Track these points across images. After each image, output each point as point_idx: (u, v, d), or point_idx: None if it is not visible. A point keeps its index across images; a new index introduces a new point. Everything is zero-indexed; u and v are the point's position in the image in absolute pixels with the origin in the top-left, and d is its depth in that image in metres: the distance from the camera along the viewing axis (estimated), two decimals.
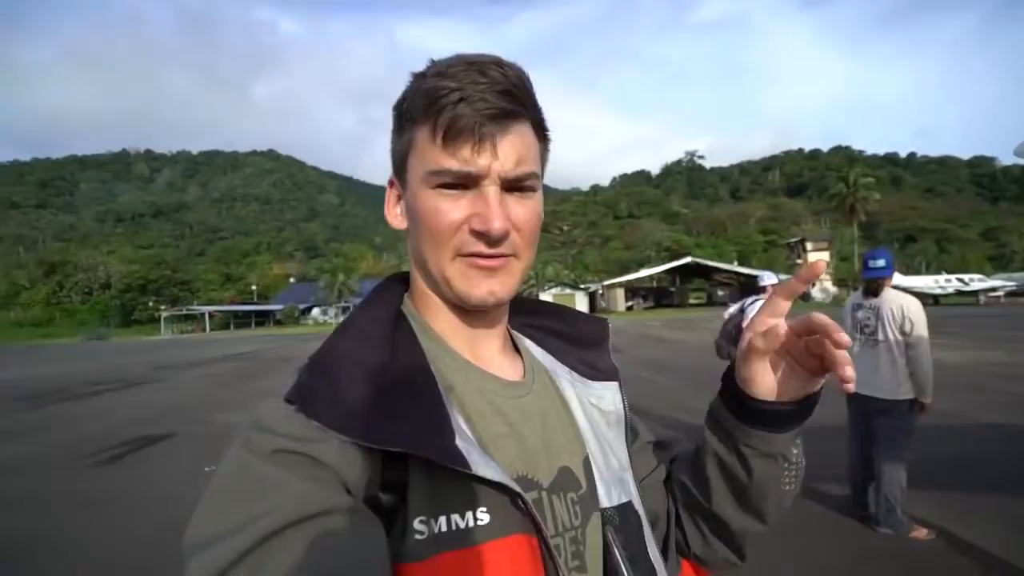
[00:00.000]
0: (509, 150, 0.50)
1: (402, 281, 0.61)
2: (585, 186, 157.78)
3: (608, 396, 0.65)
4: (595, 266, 71.04)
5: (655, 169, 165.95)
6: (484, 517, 0.46)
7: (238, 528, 0.39)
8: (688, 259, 47.65)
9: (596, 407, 0.63)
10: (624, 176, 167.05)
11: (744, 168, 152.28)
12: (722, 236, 78.91)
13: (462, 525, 0.45)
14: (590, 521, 0.55)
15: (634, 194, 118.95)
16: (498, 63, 0.50)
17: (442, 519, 0.45)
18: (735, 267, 49.53)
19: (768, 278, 4.68)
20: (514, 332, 0.65)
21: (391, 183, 0.57)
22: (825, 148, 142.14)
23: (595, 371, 0.66)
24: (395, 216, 0.57)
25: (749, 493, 0.59)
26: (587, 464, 0.57)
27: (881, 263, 3.35)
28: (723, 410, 0.58)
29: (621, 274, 53.40)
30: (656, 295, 52.95)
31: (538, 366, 0.63)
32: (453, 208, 0.50)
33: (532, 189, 0.53)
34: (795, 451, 0.58)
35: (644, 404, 7.11)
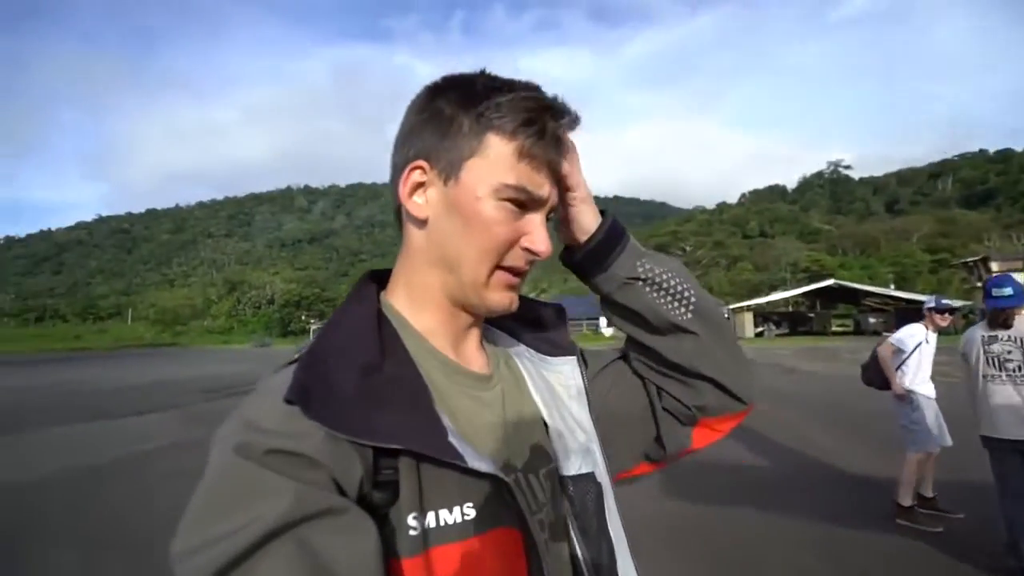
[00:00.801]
0: (558, 180, 0.58)
1: (375, 279, 0.61)
2: (710, 204, 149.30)
3: (567, 370, 0.67)
4: (720, 289, 66.59)
5: (791, 183, 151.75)
6: (471, 511, 0.48)
7: (229, 534, 0.39)
8: (831, 281, 42.38)
9: (557, 382, 0.66)
10: (754, 192, 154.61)
11: (903, 177, 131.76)
12: (874, 255, 69.37)
13: (450, 520, 0.47)
14: (557, 490, 0.58)
15: (766, 211, 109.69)
16: (563, 102, 0.56)
17: (430, 515, 0.47)
18: (891, 291, 43.10)
19: (930, 302, 4.15)
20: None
21: (415, 167, 0.55)
22: (1018, 148, 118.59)
23: (553, 347, 0.68)
24: (415, 204, 0.55)
25: (649, 320, 0.65)
26: (548, 436, 0.61)
27: (1008, 291, 3.07)
28: (575, 273, 0.67)
29: (750, 297, 49.25)
30: (791, 321, 47.86)
31: (500, 352, 0.65)
32: (514, 224, 0.54)
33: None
34: (640, 268, 0.64)
35: (762, 437, 6.61)
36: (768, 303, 46.27)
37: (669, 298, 0.64)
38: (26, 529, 4.02)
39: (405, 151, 0.56)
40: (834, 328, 43.50)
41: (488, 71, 0.56)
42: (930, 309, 4.08)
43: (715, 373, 0.65)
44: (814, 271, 62.42)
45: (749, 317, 40.97)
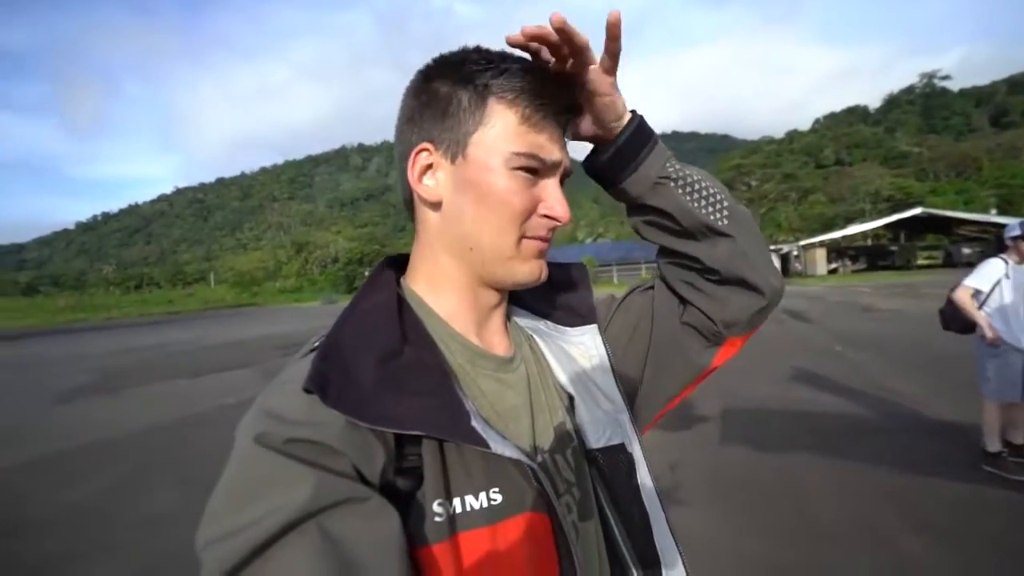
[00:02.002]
0: (566, 146, 0.56)
1: (392, 265, 0.61)
2: (779, 134, 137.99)
3: (587, 340, 0.66)
4: (790, 224, 62.54)
5: (874, 103, 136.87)
6: (497, 496, 0.48)
7: (252, 522, 0.39)
8: (918, 210, 38.43)
9: (579, 354, 0.64)
10: (831, 116, 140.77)
11: (1017, 83, 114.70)
12: (974, 178, 62.14)
13: (476, 505, 0.47)
14: (584, 468, 0.57)
15: (843, 136, 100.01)
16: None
17: (456, 500, 0.47)
18: (992, 217, 38.64)
19: (1013, 228, 3.59)
20: None
21: (424, 150, 0.54)
22: None
23: (574, 315, 0.67)
24: (426, 187, 0.54)
25: (684, 224, 0.63)
26: (572, 410, 0.60)
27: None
28: (601, 180, 0.65)
29: (823, 232, 45.85)
30: (871, 255, 44.30)
31: (521, 331, 0.64)
32: (530, 192, 0.53)
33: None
34: (671, 167, 0.63)
35: (833, 382, 6.26)
36: (844, 238, 42.87)
37: (703, 200, 0.63)
38: (128, 476, 4.55)
39: (408, 137, 0.55)
40: (920, 261, 40.01)
41: (480, 46, 0.54)
42: (1014, 238, 3.55)
43: (753, 276, 0.64)
44: (899, 200, 56.99)
45: (822, 253, 38.35)
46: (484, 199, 0.52)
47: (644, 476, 0.60)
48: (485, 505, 0.47)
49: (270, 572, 0.39)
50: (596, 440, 0.59)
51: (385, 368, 0.47)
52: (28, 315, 40.42)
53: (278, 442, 0.42)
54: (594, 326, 0.67)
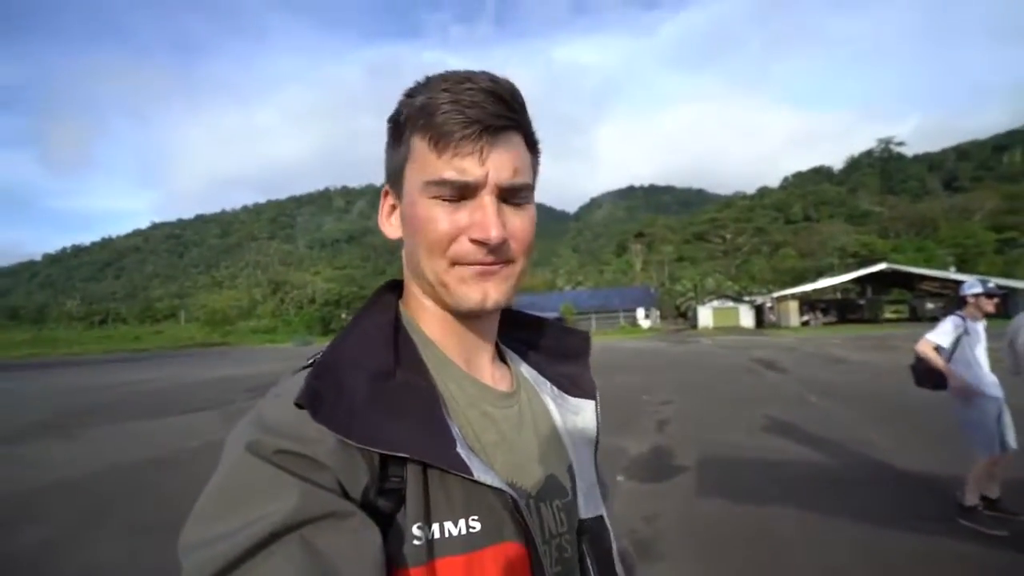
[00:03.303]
0: (505, 160, 0.51)
1: (394, 288, 0.61)
2: (751, 189, 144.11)
3: (585, 414, 0.66)
4: (763, 276, 64.43)
5: (838, 164, 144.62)
6: (476, 524, 0.48)
7: (235, 531, 0.39)
8: (883, 265, 40.14)
9: (575, 423, 0.65)
10: (798, 175, 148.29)
11: (964, 151, 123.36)
12: (931, 237, 65.39)
13: (455, 532, 0.47)
14: (573, 529, 0.57)
15: (811, 194, 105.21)
16: (490, 76, 0.52)
17: (435, 526, 0.47)
18: (951, 274, 40.50)
19: (972, 286, 3.76)
20: (501, 344, 0.66)
21: (385, 193, 0.58)
22: None
23: (574, 386, 0.67)
24: (389, 226, 0.58)
25: None
26: (571, 472, 0.60)
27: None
28: None
29: (795, 285, 47.31)
30: (840, 308, 45.82)
31: (523, 378, 0.64)
32: (451, 218, 0.51)
33: (527, 201, 0.55)
34: None
35: (807, 432, 6.31)
36: (814, 291, 44.33)
37: None
38: (87, 517, 4.24)
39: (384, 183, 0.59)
40: (887, 315, 41.45)
41: (422, 78, 0.54)
42: (976, 295, 3.72)
43: None
44: (864, 256, 59.52)
45: (794, 305, 39.45)
46: (414, 231, 0.53)
47: (615, 552, 0.62)
48: (464, 532, 0.47)
49: None
50: (586, 511, 0.60)
51: (377, 388, 0.48)
52: None
53: (268, 452, 0.43)
54: (593, 402, 0.68)
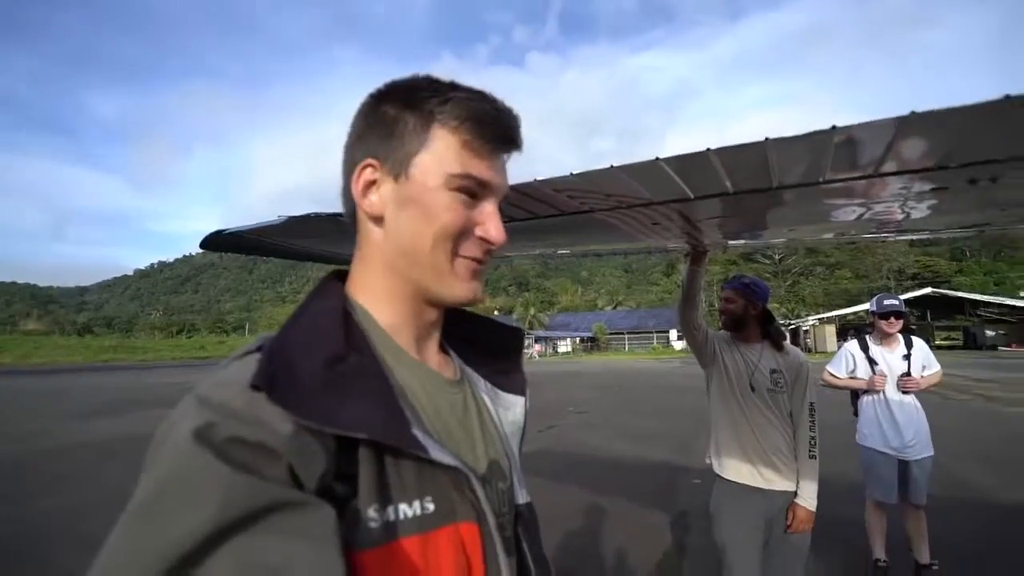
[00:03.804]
0: (505, 175, 0.59)
1: (340, 278, 0.60)
2: None
3: (516, 409, 0.69)
4: (815, 299, 61.96)
5: None
6: (430, 505, 0.49)
7: (174, 535, 0.37)
8: (927, 290, 38.18)
9: (506, 418, 0.67)
10: None
11: None
12: (1008, 259, 60.74)
13: (410, 513, 0.48)
14: (512, 512, 0.61)
15: None
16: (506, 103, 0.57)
17: (390, 508, 0.47)
18: (1004, 299, 37.71)
19: (874, 303, 3.39)
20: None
21: (367, 166, 0.56)
22: None
23: (507, 382, 0.70)
24: (370, 202, 0.56)
25: None
26: (509, 459, 0.63)
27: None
28: None
29: (847, 308, 45.38)
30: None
31: (463, 369, 0.66)
32: (467, 212, 0.55)
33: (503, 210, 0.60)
34: None
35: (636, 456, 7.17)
36: (855, 315, 42.44)
37: None
38: (108, 466, 6.06)
39: (353, 154, 0.57)
40: (938, 341, 39.06)
41: (431, 75, 0.57)
42: (872, 313, 3.36)
43: None
44: (925, 278, 56.12)
45: (831, 330, 38.15)
46: (422, 216, 0.54)
47: (541, 535, 0.66)
48: (419, 513, 0.48)
49: None
50: (520, 496, 0.63)
51: (330, 371, 0.48)
52: (76, 353, 43.98)
53: (219, 440, 0.40)
54: (523, 398, 0.70)
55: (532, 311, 55.83)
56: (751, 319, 2.33)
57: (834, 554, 3.42)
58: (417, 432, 0.49)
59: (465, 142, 0.55)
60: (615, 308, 73.15)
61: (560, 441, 7.56)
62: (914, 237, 2.20)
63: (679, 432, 8.03)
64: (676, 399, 12.43)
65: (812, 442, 2.19)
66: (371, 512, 0.46)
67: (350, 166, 0.58)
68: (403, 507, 0.48)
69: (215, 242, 1.74)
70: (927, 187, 1.08)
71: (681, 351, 45.30)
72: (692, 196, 1.11)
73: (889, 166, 0.86)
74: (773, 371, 2.25)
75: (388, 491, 0.48)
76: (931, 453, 3.22)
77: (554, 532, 3.85)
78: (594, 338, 52.69)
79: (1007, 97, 0.56)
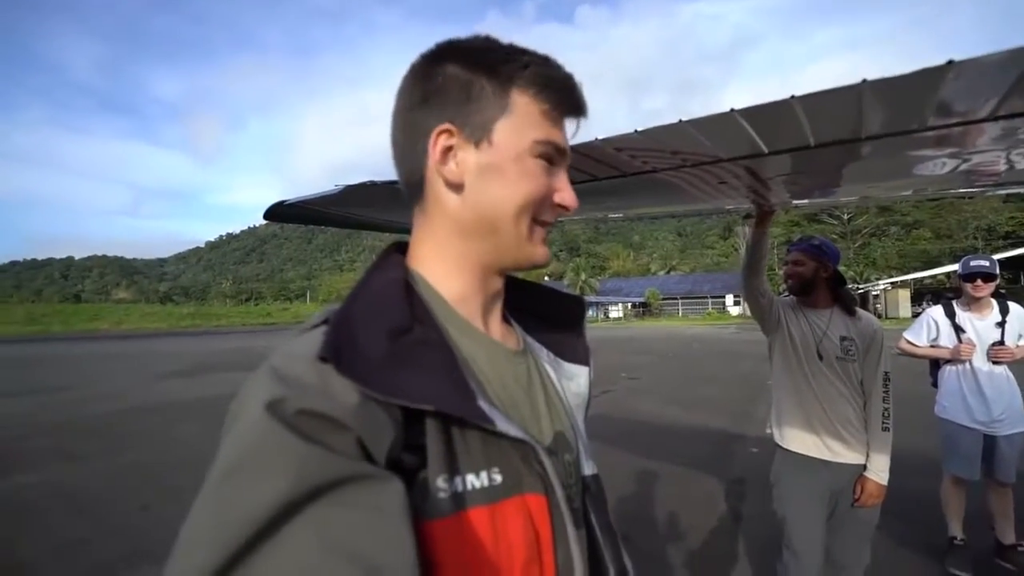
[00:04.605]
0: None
1: (400, 249, 0.60)
2: None
3: (580, 379, 0.69)
4: (887, 261, 57.91)
5: None
6: (497, 476, 0.49)
7: (250, 507, 0.37)
8: (1023, 250, 34.65)
9: (569, 388, 0.66)
10: None
11: None
12: None
13: (478, 484, 0.48)
14: (579, 483, 0.60)
15: None
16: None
17: (458, 479, 0.47)
18: None
19: (960, 265, 3.05)
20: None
21: (444, 131, 0.54)
22: None
23: (569, 352, 0.69)
24: (450, 169, 0.54)
25: None
26: (575, 431, 0.62)
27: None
28: None
29: (925, 270, 42.17)
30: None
31: (525, 339, 0.65)
32: (547, 179, 0.56)
33: None
34: None
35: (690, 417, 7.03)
36: (935, 278, 39.30)
37: None
38: (186, 421, 6.65)
39: (422, 119, 0.55)
40: None
41: (490, 36, 0.56)
42: (959, 276, 3.03)
43: None
44: (1021, 236, 51.04)
45: (904, 295, 35.61)
46: (509, 183, 0.54)
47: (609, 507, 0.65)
48: (486, 484, 0.48)
49: (270, 568, 0.36)
50: (587, 468, 0.63)
51: (396, 343, 0.48)
52: (160, 320, 48.11)
53: (290, 412, 0.40)
54: (587, 368, 0.70)
55: (583, 276, 55.29)
56: (821, 282, 2.20)
57: (905, 530, 3.28)
58: (483, 404, 0.49)
59: (545, 111, 0.55)
60: (668, 273, 71.31)
61: (614, 406, 7.55)
62: (1015, 191, 1.97)
63: (735, 399, 7.84)
64: (732, 366, 12.12)
65: (885, 413, 2.07)
66: (440, 483, 0.46)
67: (419, 132, 0.55)
68: (471, 478, 0.48)
69: (277, 213, 1.80)
70: None
71: (737, 316, 43.85)
72: (766, 151, 1.03)
73: (1012, 106, 0.75)
74: (843, 338, 2.12)
75: (456, 462, 0.47)
76: (1023, 428, 2.96)
77: (608, 497, 3.82)
78: (646, 303, 51.81)
79: None
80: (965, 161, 1.31)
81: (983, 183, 1.67)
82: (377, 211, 1.86)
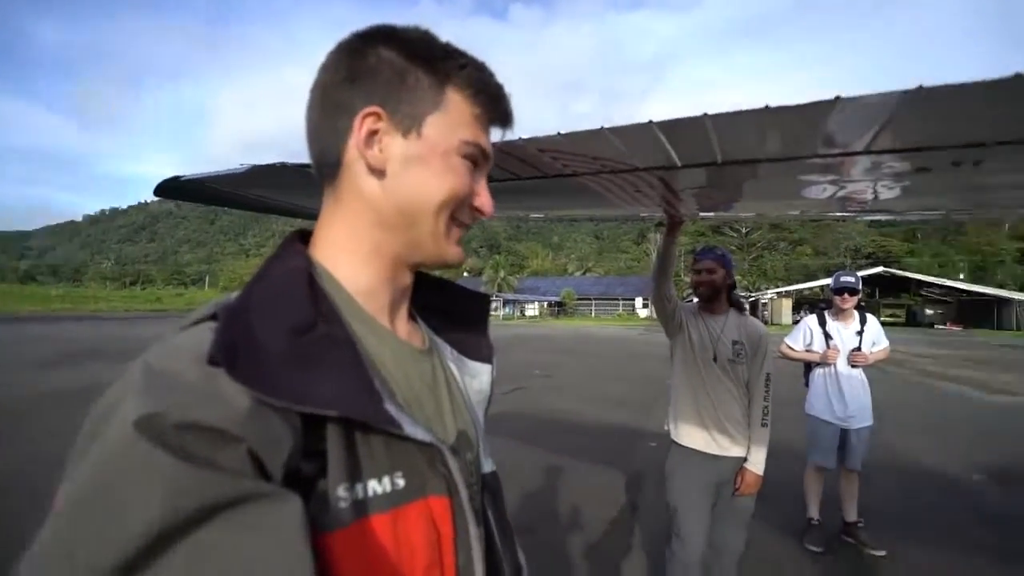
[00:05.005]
0: None
1: (302, 239, 0.56)
2: None
3: (483, 377, 0.68)
4: (776, 273, 64.13)
5: None
6: (400, 481, 0.47)
7: (120, 540, 0.32)
8: (879, 269, 40.30)
9: (471, 386, 0.66)
10: None
11: None
12: (951, 242, 63.97)
13: (379, 490, 0.46)
14: (479, 483, 0.60)
15: None
16: None
17: (359, 486, 0.45)
18: (954, 282, 40.27)
19: (835, 279, 3.52)
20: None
21: (372, 115, 0.51)
22: None
23: (476, 351, 0.68)
24: (374, 153, 0.52)
25: None
26: (476, 429, 0.62)
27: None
28: None
29: (805, 283, 47.47)
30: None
31: (430, 337, 0.63)
32: (469, 180, 0.56)
33: None
34: None
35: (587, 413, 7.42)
36: (811, 290, 44.48)
37: None
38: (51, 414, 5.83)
39: (347, 98, 0.52)
40: (883, 318, 41.38)
41: (428, 30, 0.55)
42: (831, 289, 3.50)
43: None
44: (879, 256, 58.78)
45: (787, 303, 39.95)
46: (434, 177, 0.53)
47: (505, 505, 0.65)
48: (388, 490, 0.46)
49: None
50: (486, 465, 0.62)
51: (297, 342, 0.44)
52: (22, 301, 41.82)
53: (165, 428, 0.35)
54: (490, 367, 0.69)
55: (502, 273, 55.70)
56: (724, 290, 2.38)
57: (774, 514, 3.65)
58: (390, 406, 0.47)
59: (476, 114, 0.55)
60: (584, 274, 74.09)
61: (525, 403, 7.70)
62: (878, 217, 2.24)
63: (639, 397, 8.30)
64: (638, 365, 12.83)
65: (765, 411, 2.28)
66: (340, 491, 0.43)
67: (337, 109, 0.53)
68: (373, 484, 0.46)
69: (171, 189, 1.63)
70: (908, 167, 1.08)
71: (645, 319, 46.49)
72: (679, 164, 1.09)
73: (882, 143, 0.85)
74: (735, 342, 2.31)
75: (358, 468, 0.45)
76: (870, 423, 3.48)
77: (515, 492, 3.97)
78: (562, 303, 53.34)
79: (1017, 75, 0.54)
80: (841, 188, 1.47)
81: (854, 209, 1.89)
82: (285, 194, 1.74)
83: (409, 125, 0.53)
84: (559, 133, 0.92)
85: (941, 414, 7.64)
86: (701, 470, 2.26)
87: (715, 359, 2.29)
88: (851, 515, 3.48)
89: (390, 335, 0.56)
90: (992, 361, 15.26)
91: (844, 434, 3.44)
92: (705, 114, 0.77)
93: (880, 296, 46.56)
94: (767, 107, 0.71)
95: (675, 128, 0.86)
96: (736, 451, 2.26)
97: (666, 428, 2.43)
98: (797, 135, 0.89)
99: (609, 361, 14.16)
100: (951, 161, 0.96)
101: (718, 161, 1.05)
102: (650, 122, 0.82)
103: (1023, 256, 54.51)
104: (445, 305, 0.68)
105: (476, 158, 0.56)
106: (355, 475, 0.45)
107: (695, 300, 2.50)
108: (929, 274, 43.73)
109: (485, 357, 0.69)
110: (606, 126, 0.85)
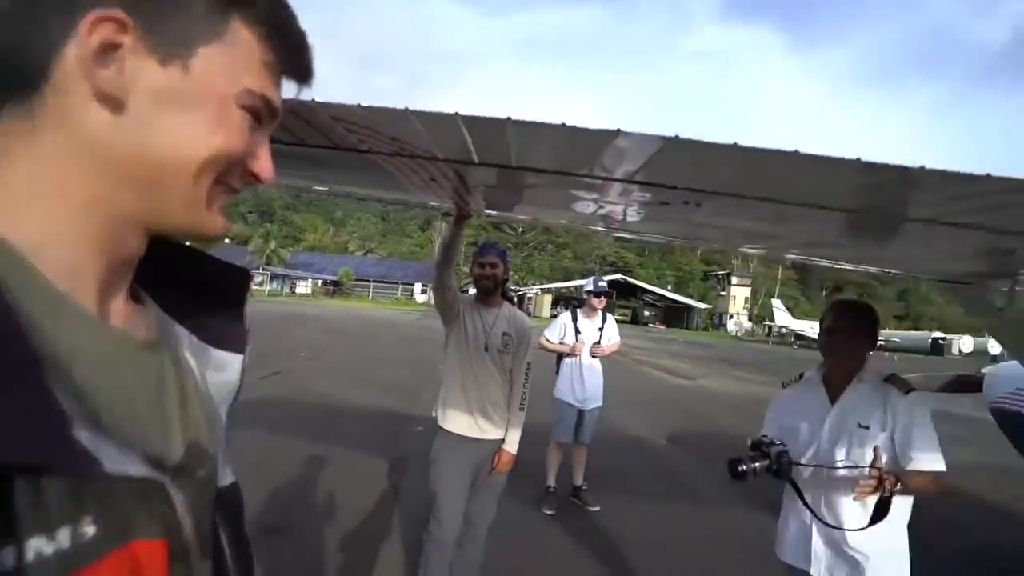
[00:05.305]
0: None
1: None
2: None
3: (230, 368, 0.56)
4: (542, 272, 72.29)
5: None
6: (89, 529, 0.35)
7: None
8: (618, 276, 49.65)
9: (215, 379, 0.54)
10: None
11: None
12: (667, 259, 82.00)
13: (48, 551, 0.32)
14: (212, 501, 0.50)
15: None
16: None
17: (8, 551, 0.31)
18: (665, 291, 51.92)
19: (591, 283, 4.41)
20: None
21: (113, 21, 0.37)
22: None
23: (223, 338, 0.55)
24: (107, 75, 0.38)
25: None
26: (213, 436, 0.50)
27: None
28: None
29: (565, 282, 55.09)
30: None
31: (162, 322, 0.50)
32: (246, 138, 0.45)
33: None
34: None
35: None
36: (568, 289, 52.22)
37: None
38: None
39: None
40: (617, 316, 51.13)
41: None
42: (588, 291, 4.30)
43: None
44: (618, 266, 71.60)
45: (547, 299, 46.34)
46: (200, 125, 0.41)
47: (244, 517, 0.57)
48: (65, 546, 0.33)
49: None
50: (224, 477, 0.53)
51: None
52: None
53: None
54: (241, 357, 0.57)
55: (273, 244, 50.14)
56: (501, 284, 2.56)
57: (519, 485, 4.13)
58: (82, 433, 0.34)
59: (268, 61, 0.45)
60: (366, 255, 71.73)
61: (284, 388, 7.08)
62: (626, 236, 2.70)
63: (409, 381, 8.43)
64: (411, 349, 13.01)
65: (523, 396, 2.56)
66: (36, 542, 0.31)
67: (66, 5, 0.37)
68: (37, 544, 0.32)
69: None
70: (652, 199, 1.31)
71: (422, 304, 47.47)
72: (477, 161, 1.10)
73: (640, 175, 1.01)
74: (504, 334, 2.52)
75: (14, 525, 0.31)
76: (600, 404, 4.33)
77: (265, 487, 3.58)
78: (338, 282, 50.72)
79: (735, 144, 0.70)
80: (601, 207, 1.71)
81: (610, 225, 2.22)
82: None
83: (171, 52, 0.40)
84: (359, 105, 0.83)
85: (645, 393, 9.73)
86: (463, 454, 2.41)
87: (486, 348, 2.46)
88: (578, 480, 4.23)
89: (96, 324, 0.40)
90: (680, 354, 20.26)
91: (580, 414, 4.17)
92: (509, 118, 0.78)
93: (616, 298, 57.08)
94: (563, 124, 0.76)
95: (478, 124, 0.86)
96: (495, 434, 2.47)
97: (434, 414, 2.51)
98: (579, 154, 0.99)
99: (382, 343, 14.07)
100: (683, 200, 1.19)
101: (512, 164, 1.10)
102: (456, 114, 0.81)
103: (706, 275, 73.53)
104: (189, 277, 0.53)
105: (260, 113, 0.45)
106: (21, 533, 0.31)
107: (471, 291, 2.64)
108: (649, 283, 55.67)
109: (237, 347, 0.56)
110: (411, 108, 0.80)
